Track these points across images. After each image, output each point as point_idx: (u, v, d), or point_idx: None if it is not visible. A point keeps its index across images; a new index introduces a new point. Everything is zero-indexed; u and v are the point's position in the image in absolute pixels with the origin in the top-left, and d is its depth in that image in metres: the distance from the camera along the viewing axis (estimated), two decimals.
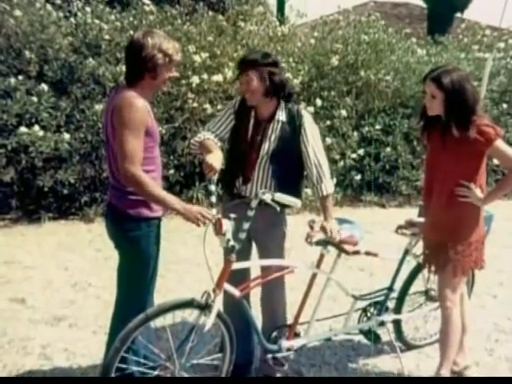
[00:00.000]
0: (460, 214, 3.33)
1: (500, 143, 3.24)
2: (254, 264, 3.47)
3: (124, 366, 2.99)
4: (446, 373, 3.50)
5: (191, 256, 5.71)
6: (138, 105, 2.94)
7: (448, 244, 3.36)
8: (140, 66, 3.01)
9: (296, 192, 3.38)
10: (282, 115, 3.40)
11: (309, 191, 7.26)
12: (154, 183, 2.95)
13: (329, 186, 3.47)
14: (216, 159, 3.10)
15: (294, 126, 3.40)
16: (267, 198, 3.10)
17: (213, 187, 3.08)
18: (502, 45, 10.98)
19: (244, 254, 3.42)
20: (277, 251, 3.51)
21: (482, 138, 3.19)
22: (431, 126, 3.40)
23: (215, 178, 3.10)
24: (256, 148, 3.37)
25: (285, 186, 3.36)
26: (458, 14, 17.52)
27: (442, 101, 3.21)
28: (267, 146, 3.37)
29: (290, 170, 3.46)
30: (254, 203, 3.13)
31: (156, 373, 3.10)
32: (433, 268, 3.51)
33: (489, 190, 3.39)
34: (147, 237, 3.15)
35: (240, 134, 3.41)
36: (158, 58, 3.00)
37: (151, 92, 3.17)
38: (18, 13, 7.43)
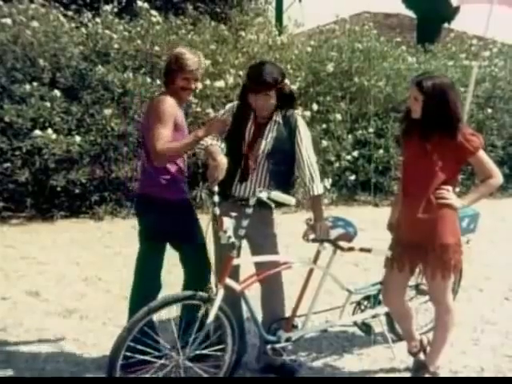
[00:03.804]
0: (439, 217, 3.22)
1: (483, 153, 3.21)
2: (254, 260, 3.45)
3: (131, 354, 2.99)
4: (433, 368, 3.49)
5: None
6: (167, 100, 3.29)
7: (428, 247, 3.24)
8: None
9: (287, 191, 3.36)
10: (278, 116, 3.39)
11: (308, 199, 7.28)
12: (175, 142, 3.23)
13: (320, 186, 3.46)
14: (219, 170, 3.09)
15: (290, 127, 3.39)
16: (263, 196, 3.10)
17: (216, 198, 3.07)
18: (487, 53, 10.99)
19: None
20: (271, 248, 3.50)
21: (469, 146, 3.14)
22: (412, 129, 3.31)
23: (217, 188, 3.08)
24: (255, 148, 3.36)
25: (278, 185, 3.34)
26: (446, 25, 17.49)
27: (422, 103, 3.13)
28: (264, 145, 3.35)
29: (284, 170, 3.44)
30: (252, 201, 3.13)
31: (162, 361, 3.10)
32: (407, 267, 3.39)
33: (468, 193, 3.38)
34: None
35: (238, 136, 3.38)
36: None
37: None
38: (35, 24, 7.44)
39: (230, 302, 3.23)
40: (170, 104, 3.29)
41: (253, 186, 3.37)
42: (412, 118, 3.26)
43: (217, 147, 3.22)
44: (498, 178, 3.25)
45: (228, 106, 3.54)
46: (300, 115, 3.62)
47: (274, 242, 3.54)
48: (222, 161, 3.11)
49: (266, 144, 3.36)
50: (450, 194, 3.22)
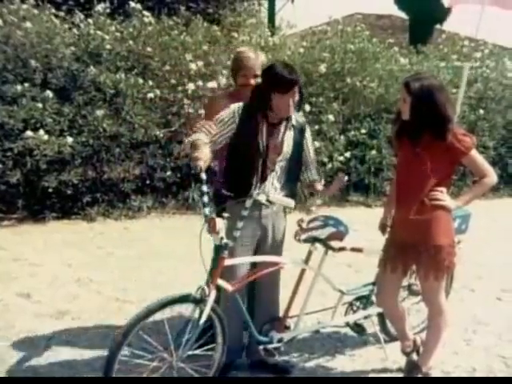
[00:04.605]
0: (433, 218, 3.23)
1: (475, 153, 3.21)
2: (246, 260, 3.45)
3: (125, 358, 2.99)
4: (425, 369, 3.51)
5: (188, 253, 5.70)
6: (213, 101, 3.86)
7: (421, 248, 3.26)
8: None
9: (295, 189, 3.56)
10: (293, 119, 3.46)
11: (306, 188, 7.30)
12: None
13: (315, 173, 3.62)
14: (202, 153, 3.09)
15: (300, 129, 3.50)
16: (262, 198, 3.11)
17: (204, 187, 3.03)
18: (478, 54, 11.04)
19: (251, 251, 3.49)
20: (280, 249, 3.58)
21: (460, 147, 3.14)
22: (403, 131, 3.31)
23: (204, 175, 3.04)
24: (274, 149, 3.38)
25: (291, 184, 3.50)
26: (438, 26, 17.54)
27: (410, 104, 3.14)
28: (285, 148, 3.42)
29: (295, 170, 3.54)
30: (248, 203, 3.14)
31: (155, 363, 3.10)
32: (400, 268, 3.40)
33: (462, 194, 3.38)
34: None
35: (252, 137, 3.36)
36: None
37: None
38: (28, 24, 7.42)
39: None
40: (216, 104, 3.71)
41: (271, 186, 3.40)
42: (403, 120, 3.27)
43: (201, 142, 3.21)
44: (492, 177, 3.26)
45: (229, 109, 3.43)
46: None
47: (283, 242, 3.62)
48: (204, 150, 3.12)
49: (287, 146, 3.42)
50: (443, 196, 3.22)
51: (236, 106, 3.42)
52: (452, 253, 3.29)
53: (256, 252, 3.52)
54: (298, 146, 3.49)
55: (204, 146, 3.16)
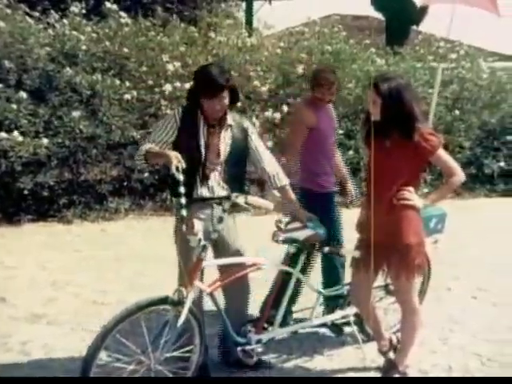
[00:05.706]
0: (401, 218, 3.27)
1: (442, 152, 3.25)
2: (225, 262, 3.45)
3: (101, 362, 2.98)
4: (402, 368, 3.53)
5: (166, 254, 5.68)
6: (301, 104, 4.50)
7: (391, 248, 3.29)
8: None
9: (243, 189, 3.54)
10: (230, 120, 3.47)
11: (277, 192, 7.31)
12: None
13: (285, 178, 3.59)
14: (177, 154, 3.11)
15: (241, 128, 3.51)
16: (240, 200, 3.11)
17: (182, 200, 3.04)
18: (454, 55, 11.15)
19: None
20: (240, 249, 3.56)
21: (427, 146, 3.18)
22: (373, 132, 3.32)
23: (181, 176, 3.05)
24: (215, 150, 3.40)
25: (236, 184, 3.47)
26: (414, 27, 17.67)
27: (380, 106, 3.19)
28: (224, 148, 3.42)
29: (239, 170, 3.54)
30: (226, 205, 3.14)
31: (132, 367, 3.08)
32: (371, 268, 3.41)
33: (431, 194, 3.43)
34: None
35: (192, 139, 3.38)
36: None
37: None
38: (1, 24, 7.34)
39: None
40: (300, 112, 4.32)
41: (216, 184, 3.41)
42: (372, 121, 3.30)
43: (157, 147, 3.31)
44: (459, 175, 3.29)
45: (168, 115, 3.53)
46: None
47: (240, 242, 3.60)
48: (172, 152, 3.15)
49: (225, 147, 3.43)
50: (411, 195, 3.26)
51: (175, 111, 3.47)
52: (421, 252, 3.32)
53: (214, 252, 3.53)
54: (238, 145, 3.48)
55: (166, 149, 3.19)
